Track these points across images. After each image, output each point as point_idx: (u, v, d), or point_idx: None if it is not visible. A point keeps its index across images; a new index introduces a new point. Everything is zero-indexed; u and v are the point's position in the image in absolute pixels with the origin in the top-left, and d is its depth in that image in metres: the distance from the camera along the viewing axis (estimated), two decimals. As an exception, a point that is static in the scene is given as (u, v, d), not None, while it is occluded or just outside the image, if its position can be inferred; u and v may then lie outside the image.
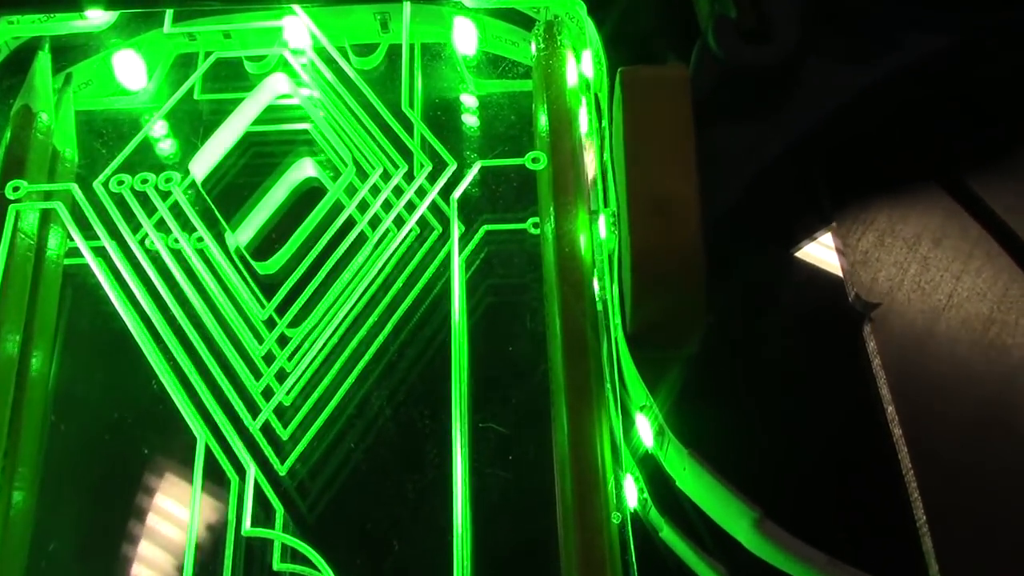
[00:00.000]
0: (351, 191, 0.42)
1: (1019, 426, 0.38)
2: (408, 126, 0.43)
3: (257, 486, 0.36)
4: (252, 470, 0.35)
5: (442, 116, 0.45)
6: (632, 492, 0.36)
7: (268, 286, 0.40)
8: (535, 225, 0.42)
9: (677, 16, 0.44)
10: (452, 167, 0.42)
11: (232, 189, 0.44)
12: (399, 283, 0.41)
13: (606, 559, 0.33)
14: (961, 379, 0.39)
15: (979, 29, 0.41)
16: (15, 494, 0.36)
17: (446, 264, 0.41)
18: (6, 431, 0.36)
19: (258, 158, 0.45)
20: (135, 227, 0.41)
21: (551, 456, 0.36)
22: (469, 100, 0.46)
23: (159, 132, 0.45)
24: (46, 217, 0.41)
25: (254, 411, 0.37)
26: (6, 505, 0.36)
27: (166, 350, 0.38)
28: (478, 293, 0.42)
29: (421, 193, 0.41)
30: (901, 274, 0.42)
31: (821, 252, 0.43)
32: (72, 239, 0.41)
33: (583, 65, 0.43)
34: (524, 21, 0.45)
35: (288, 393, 0.38)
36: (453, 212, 0.41)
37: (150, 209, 0.41)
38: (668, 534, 0.36)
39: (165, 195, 0.41)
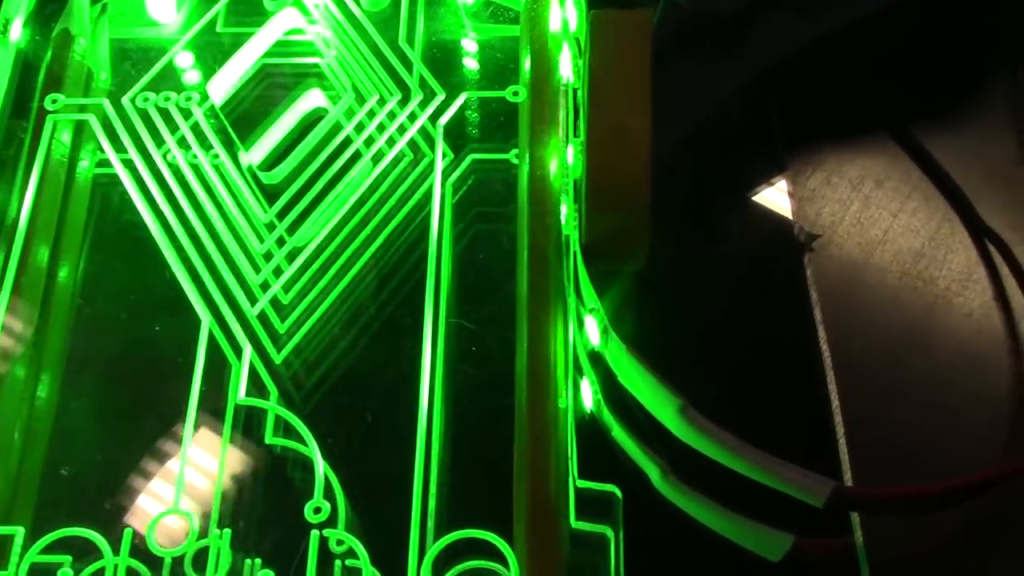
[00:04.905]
0: (351, 115, 0.47)
1: (937, 349, 0.43)
2: (407, 63, 0.48)
3: (254, 369, 0.41)
4: (248, 349, 0.41)
5: (438, 55, 0.50)
6: (588, 394, 0.41)
7: (272, 195, 0.45)
8: (517, 156, 0.46)
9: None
10: (440, 96, 0.47)
11: (248, 115, 0.49)
12: (392, 201, 0.46)
13: (551, 438, 0.38)
14: (889, 305, 0.44)
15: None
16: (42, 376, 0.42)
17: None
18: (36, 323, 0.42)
19: (272, 88, 0.50)
20: (159, 142, 0.46)
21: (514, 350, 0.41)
22: (465, 43, 0.51)
23: (183, 58, 0.50)
24: (79, 130, 0.46)
25: (253, 301, 0.42)
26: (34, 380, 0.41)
27: (179, 247, 0.44)
28: (464, 216, 0.46)
29: (413, 119, 0.46)
30: (843, 210, 0.46)
31: (771, 190, 0.47)
32: (102, 151, 0.46)
33: (567, 11, 0.48)
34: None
35: (285, 289, 0.43)
36: (439, 135, 0.46)
37: (173, 126, 0.46)
38: (618, 433, 0.41)
39: (186, 113, 0.47)
